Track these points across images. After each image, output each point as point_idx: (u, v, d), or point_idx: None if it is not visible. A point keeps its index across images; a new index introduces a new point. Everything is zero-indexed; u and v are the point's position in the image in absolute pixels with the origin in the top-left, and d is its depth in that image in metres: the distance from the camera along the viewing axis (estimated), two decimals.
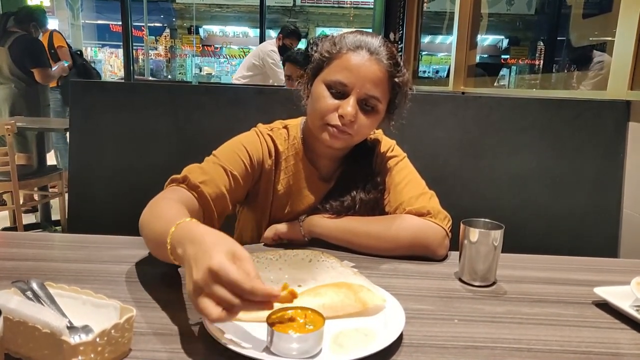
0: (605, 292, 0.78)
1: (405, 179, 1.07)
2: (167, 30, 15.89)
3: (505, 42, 12.76)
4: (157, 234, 0.74)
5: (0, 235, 1.31)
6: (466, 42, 3.30)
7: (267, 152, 1.06)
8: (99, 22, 15.49)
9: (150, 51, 14.41)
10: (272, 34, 4.18)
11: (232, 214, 1.10)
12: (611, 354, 0.66)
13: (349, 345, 0.61)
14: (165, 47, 15.71)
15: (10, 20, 3.57)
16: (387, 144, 1.13)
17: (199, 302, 0.56)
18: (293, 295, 0.60)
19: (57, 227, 3.33)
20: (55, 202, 3.34)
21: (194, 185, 0.91)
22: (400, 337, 0.64)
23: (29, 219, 3.46)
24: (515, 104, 1.61)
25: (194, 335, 0.64)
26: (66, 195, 2.65)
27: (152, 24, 14.77)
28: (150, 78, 11.84)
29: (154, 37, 15.31)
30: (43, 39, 3.81)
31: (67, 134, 3.18)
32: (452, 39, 3.40)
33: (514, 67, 10.22)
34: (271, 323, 0.59)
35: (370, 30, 1.13)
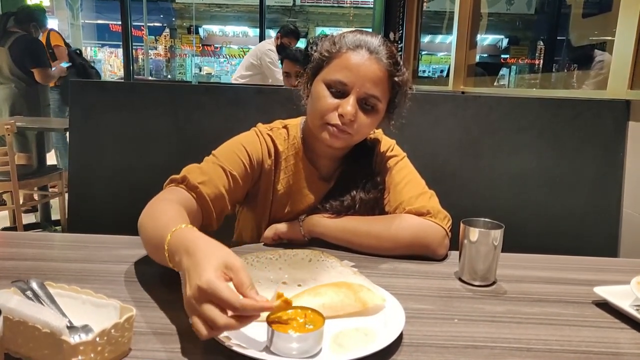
0: (605, 292, 0.78)
1: (405, 178, 1.07)
2: (167, 30, 15.89)
3: (505, 42, 12.76)
4: (154, 238, 0.75)
5: (0, 235, 1.31)
6: (466, 42, 3.30)
7: (266, 152, 1.06)
8: (99, 21, 15.49)
9: (150, 51, 14.42)
10: (272, 33, 4.18)
11: (232, 214, 1.10)
12: (611, 354, 0.66)
13: (349, 345, 0.61)
14: (165, 46, 15.71)
15: (10, 20, 3.56)
16: (387, 144, 1.13)
17: (192, 319, 0.58)
18: (287, 304, 0.60)
19: (57, 227, 3.33)
20: (55, 202, 3.34)
21: (193, 186, 0.91)
22: (400, 337, 0.64)
23: (28, 218, 3.46)
24: (515, 103, 1.61)
25: (193, 334, 0.64)
26: (66, 195, 2.65)
27: (151, 24, 14.77)
28: (150, 78, 11.84)
29: (153, 37, 15.31)
30: (41, 38, 3.81)
31: (67, 134, 3.17)
32: (451, 39, 3.40)
33: (513, 67, 10.23)
34: (271, 322, 0.59)
35: (370, 30, 1.13)
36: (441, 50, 13.18)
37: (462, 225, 0.87)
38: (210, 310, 0.56)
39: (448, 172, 1.53)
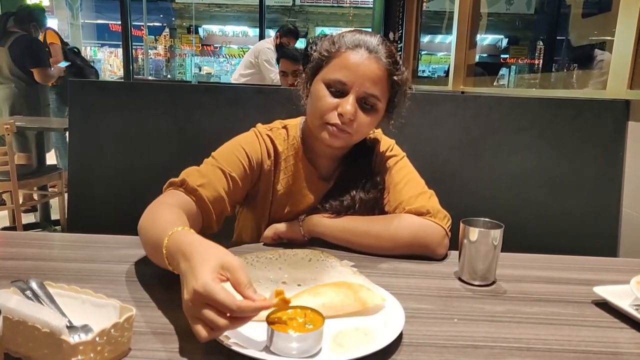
0: (605, 291, 0.78)
1: (405, 178, 1.07)
2: (167, 30, 15.88)
3: (504, 42, 12.76)
4: (154, 242, 0.75)
5: (0, 235, 1.31)
6: (466, 42, 3.30)
7: (265, 152, 1.06)
8: (99, 21, 15.48)
9: (149, 51, 14.41)
10: (272, 33, 4.17)
11: (232, 215, 1.10)
12: (611, 353, 0.66)
13: (349, 345, 0.61)
14: (165, 46, 15.70)
15: (10, 20, 3.56)
16: (387, 144, 1.13)
17: (190, 321, 0.58)
18: (285, 303, 0.60)
19: (56, 227, 3.33)
20: (54, 202, 3.34)
21: (192, 189, 0.91)
22: (400, 337, 0.64)
23: (28, 218, 3.45)
24: (514, 103, 1.61)
25: (193, 335, 0.64)
26: (66, 194, 2.65)
27: (151, 24, 14.76)
28: (150, 78, 11.83)
29: (153, 37, 15.30)
30: (40, 38, 3.80)
31: (67, 134, 3.17)
32: (451, 39, 3.40)
33: (513, 67, 10.23)
34: (271, 322, 0.59)
35: (369, 30, 1.13)
36: (441, 50, 13.17)
37: (461, 225, 0.87)
38: (208, 313, 0.56)
39: (448, 172, 1.53)
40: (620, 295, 0.77)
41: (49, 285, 0.64)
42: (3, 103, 3.54)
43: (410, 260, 0.96)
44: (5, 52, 3.47)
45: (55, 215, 3.38)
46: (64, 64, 3.87)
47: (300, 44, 4.13)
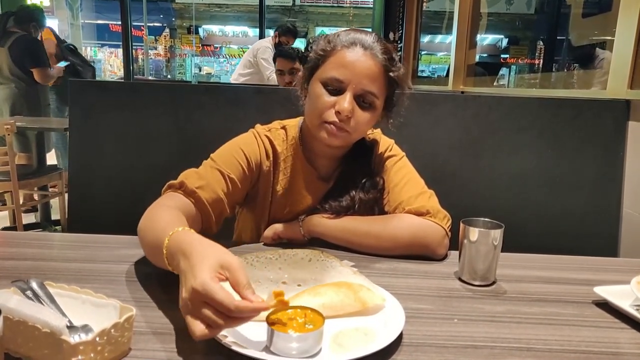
0: (605, 292, 0.78)
1: (404, 178, 1.07)
2: (167, 30, 15.87)
3: (504, 42, 12.75)
4: (153, 243, 0.75)
5: (0, 235, 1.31)
6: (466, 42, 3.30)
7: (264, 153, 1.06)
8: (99, 21, 15.47)
9: (149, 51, 14.40)
10: (272, 33, 4.16)
11: (231, 216, 1.10)
12: (611, 353, 0.66)
13: (349, 345, 0.61)
14: (165, 46, 15.69)
15: (10, 20, 3.56)
16: (386, 144, 1.13)
17: (186, 319, 0.58)
18: (284, 304, 0.60)
19: (57, 227, 3.33)
20: (55, 202, 3.34)
21: (191, 191, 0.92)
22: (400, 337, 0.64)
23: (28, 218, 3.45)
24: (514, 103, 1.61)
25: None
26: (66, 195, 2.65)
27: (151, 24, 14.75)
28: (150, 78, 11.83)
29: (153, 37, 15.29)
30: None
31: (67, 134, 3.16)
32: (451, 39, 3.40)
33: (513, 67, 10.23)
34: (271, 322, 0.59)
35: (369, 30, 1.13)
36: (441, 50, 13.17)
37: (462, 225, 0.86)
38: (206, 312, 0.56)
39: (448, 172, 1.53)
40: (620, 295, 0.77)
41: (49, 285, 0.64)
42: (3, 103, 3.55)
43: (410, 260, 0.96)
44: (5, 52, 3.47)
45: (55, 216, 3.38)
46: (63, 64, 3.86)
47: (300, 44, 4.12)
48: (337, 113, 0.95)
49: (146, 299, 0.74)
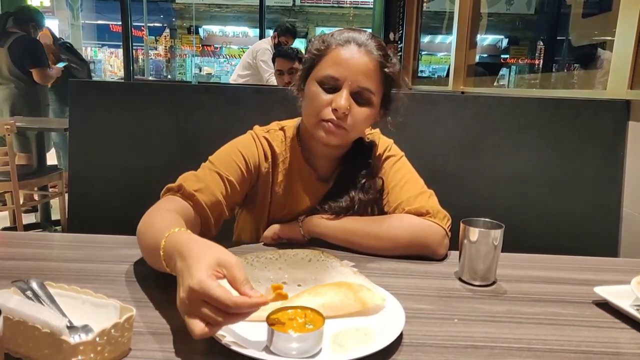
0: (606, 292, 0.78)
1: (404, 178, 1.07)
2: (167, 30, 15.88)
3: (504, 42, 12.76)
4: (151, 246, 0.75)
5: (0, 235, 1.31)
6: (466, 42, 3.30)
7: (262, 155, 1.06)
8: (99, 22, 15.48)
9: (150, 51, 14.41)
10: (272, 33, 4.14)
11: (230, 218, 1.09)
12: (611, 354, 0.66)
13: (349, 345, 0.61)
14: (165, 47, 15.70)
15: (9, 20, 3.56)
16: (385, 144, 1.13)
17: (185, 319, 0.58)
18: (282, 297, 0.60)
19: (57, 227, 3.33)
20: (55, 202, 3.34)
21: (189, 194, 0.92)
22: (400, 337, 0.64)
23: (29, 218, 3.45)
24: (514, 103, 1.61)
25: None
26: (66, 195, 2.64)
27: (151, 24, 14.76)
28: (150, 78, 11.83)
29: (153, 37, 15.30)
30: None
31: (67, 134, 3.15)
32: (451, 39, 3.40)
33: (513, 67, 10.22)
34: (271, 322, 0.59)
35: (369, 30, 1.13)
36: (441, 51, 13.17)
37: (462, 225, 0.86)
38: (204, 310, 0.56)
39: (448, 172, 1.53)
40: (620, 295, 0.77)
41: (49, 286, 0.64)
42: (3, 103, 3.55)
43: (410, 261, 0.96)
44: (4, 53, 3.47)
45: (55, 216, 3.38)
46: (61, 65, 3.86)
47: (300, 44, 4.11)
48: (334, 111, 0.95)
49: (146, 299, 0.74)
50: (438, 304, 0.78)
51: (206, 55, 16.66)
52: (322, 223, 1.03)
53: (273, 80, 3.63)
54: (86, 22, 13.96)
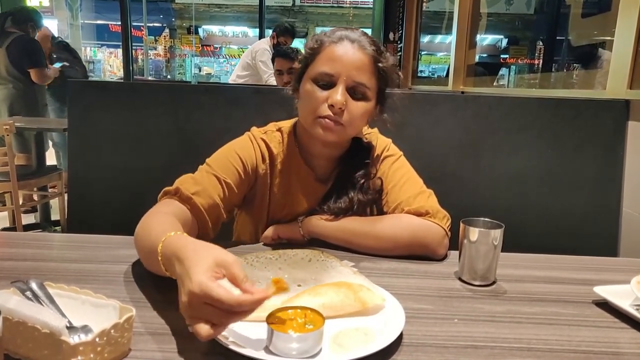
0: (605, 291, 0.78)
1: (403, 178, 1.07)
2: (167, 30, 15.88)
3: (504, 42, 12.75)
4: (148, 249, 0.75)
5: None
6: (465, 42, 3.30)
7: (260, 156, 1.05)
8: (98, 22, 15.47)
9: (149, 51, 14.40)
10: (270, 34, 4.11)
11: (228, 221, 1.09)
12: (611, 353, 0.66)
13: (349, 345, 0.61)
14: (165, 47, 15.70)
15: (7, 20, 3.56)
16: (383, 143, 1.13)
17: (189, 322, 0.58)
18: (284, 289, 0.60)
19: (56, 228, 3.33)
20: (54, 203, 3.34)
21: (187, 197, 0.91)
22: (400, 337, 0.64)
23: (28, 219, 3.45)
24: (514, 103, 1.61)
25: (193, 335, 0.64)
26: (65, 195, 2.64)
27: (151, 24, 14.76)
28: (150, 78, 11.83)
29: (153, 37, 15.30)
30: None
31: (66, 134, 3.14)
32: (451, 39, 3.41)
33: (513, 67, 10.22)
34: (271, 323, 0.59)
35: (369, 30, 1.13)
36: (441, 51, 13.17)
37: (462, 225, 0.86)
38: (207, 311, 0.56)
39: (448, 172, 1.53)
40: (620, 295, 0.77)
41: (49, 286, 0.64)
42: (1, 104, 3.55)
43: (410, 261, 0.96)
44: (2, 53, 3.47)
45: (55, 216, 3.38)
46: (57, 65, 3.85)
47: (300, 44, 4.11)
48: (331, 107, 0.95)
49: (146, 300, 0.74)
50: (438, 304, 0.78)
51: (206, 55, 16.65)
52: (322, 223, 1.03)
53: (272, 81, 3.62)
54: (85, 22, 13.95)
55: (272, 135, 1.09)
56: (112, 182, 1.56)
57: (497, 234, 0.84)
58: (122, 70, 6.23)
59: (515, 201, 1.54)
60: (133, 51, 5.97)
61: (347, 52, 0.96)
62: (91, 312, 0.60)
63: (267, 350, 0.59)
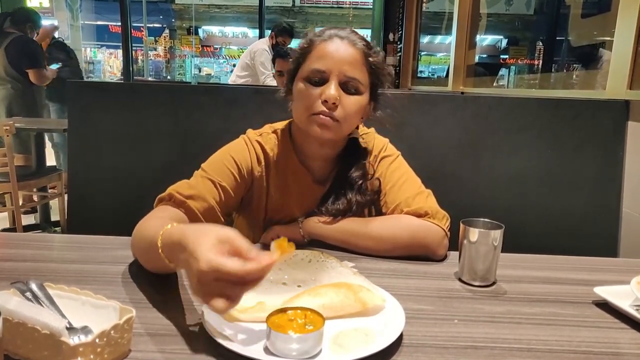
0: (605, 292, 0.78)
1: (401, 178, 1.06)
2: (167, 31, 15.87)
3: (504, 42, 12.74)
4: (147, 246, 0.75)
5: None
6: (465, 42, 3.30)
7: (255, 159, 1.05)
8: (98, 22, 15.47)
9: (149, 52, 14.40)
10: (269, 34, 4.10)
11: (226, 223, 1.09)
12: (611, 354, 0.66)
13: (349, 346, 0.61)
14: (165, 47, 15.69)
15: (6, 21, 3.56)
16: (380, 143, 1.12)
17: (204, 301, 0.58)
18: (290, 250, 0.61)
19: (56, 228, 3.33)
20: (54, 203, 3.34)
21: (181, 201, 0.92)
22: (400, 337, 0.64)
23: (28, 220, 3.45)
24: (514, 103, 1.61)
25: (193, 335, 0.64)
26: (65, 196, 2.64)
27: (151, 25, 14.75)
28: (150, 79, 11.83)
29: (153, 38, 15.29)
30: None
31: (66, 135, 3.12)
32: (451, 39, 3.41)
33: (513, 67, 10.22)
34: (271, 323, 0.59)
35: (369, 31, 1.14)
36: (440, 51, 13.17)
37: (461, 225, 0.86)
38: (219, 286, 0.57)
39: (447, 172, 1.53)
40: (620, 295, 0.77)
41: (49, 287, 0.64)
42: (0, 104, 3.55)
43: (410, 261, 0.96)
44: (1, 53, 3.47)
45: (55, 217, 3.38)
46: (55, 66, 3.85)
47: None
48: (324, 102, 0.95)
49: (145, 300, 0.74)
50: (438, 304, 0.78)
51: (206, 55, 16.64)
52: (322, 224, 1.02)
53: (269, 82, 3.62)
54: (85, 22, 13.94)
55: (268, 137, 1.08)
56: (112, 182, 1.56)
57: (497, 235, 0.84)
58: (122, 71, 6.22)
59: (515, 201, 1.54)
60: (133, 52, 5.97)
61: (338, 48, 0.97)
62: (91, 313, 0.60)
63: (267, 350, 0.59)
